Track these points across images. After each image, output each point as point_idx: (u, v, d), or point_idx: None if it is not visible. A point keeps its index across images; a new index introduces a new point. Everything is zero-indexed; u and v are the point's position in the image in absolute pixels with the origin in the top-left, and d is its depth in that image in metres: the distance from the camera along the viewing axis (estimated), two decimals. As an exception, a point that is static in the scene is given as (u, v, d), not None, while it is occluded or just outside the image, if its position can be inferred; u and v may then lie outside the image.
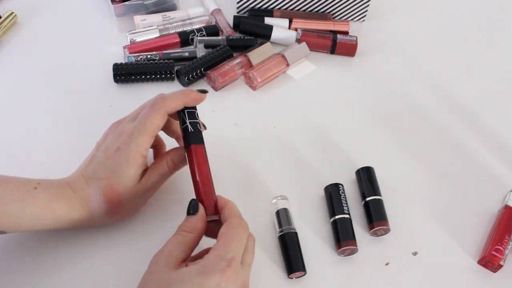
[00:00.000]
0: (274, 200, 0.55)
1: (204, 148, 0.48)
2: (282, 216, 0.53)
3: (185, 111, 0.49)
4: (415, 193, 0.59)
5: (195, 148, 0.47)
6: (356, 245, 0.52)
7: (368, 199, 0.55)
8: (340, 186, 0.56)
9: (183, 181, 0.56)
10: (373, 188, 0.56)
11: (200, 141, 0.48)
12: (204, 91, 0.50)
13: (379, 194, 0.56)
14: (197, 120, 0.49)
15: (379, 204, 0.55)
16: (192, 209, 0.45)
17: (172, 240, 0.43)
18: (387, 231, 0.54)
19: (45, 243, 0.51)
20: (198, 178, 0.46)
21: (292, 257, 0.51)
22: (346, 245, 0.51)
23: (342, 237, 0.52)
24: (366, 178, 0.57)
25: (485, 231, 0.56)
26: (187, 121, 0.48)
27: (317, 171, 0.60)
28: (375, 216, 0.54)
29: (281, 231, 0.52)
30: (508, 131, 0.66)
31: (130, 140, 0.47)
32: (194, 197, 0.46)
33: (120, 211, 0.49)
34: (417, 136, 0.65)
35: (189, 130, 0.48)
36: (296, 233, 0.52)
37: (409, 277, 0.52)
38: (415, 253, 0.54)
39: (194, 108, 0.50)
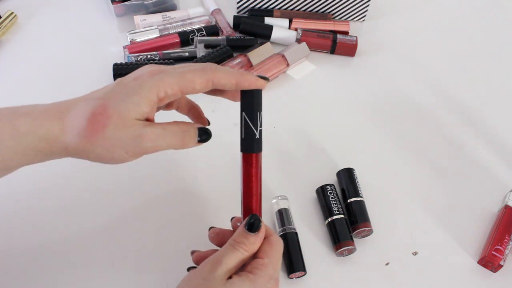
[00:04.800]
0: (274, 200, 0.55)
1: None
2: (282, 216, 0.53)
3: (259, 113, 0.44)
4: (416, 193, 0.59)
5: (259, 156, 0.44)
6: (353, 245, 0.52)
7: (350, 200, 0.55)
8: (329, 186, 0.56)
9: (188, 180, 0.56)
10: (354, 189, 0.56)
11: (261, 148, 0.44)
12: (265, 78, 0.43)
13: (360, 195, 0.55)
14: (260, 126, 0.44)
15: (361, 205, 0.55)
16: (255, 228, 0.42)
17: (231, 255, 0.41)
18: (370, 232, 0.54)
19: (45, 245, 0.51)
20: (258, 189, 0.44)
21: (292, 257, 0.51)
22: (345, 246, 0.52)
23: (340, 237, 0.52)
24: (348, 179, 0.57)
25: (485, 231, 0.56)
26: (259, 127, 0.44)
27: (317, 171, 0.60)
28: (358, 217, 0.54)
29: (281, 231, 0.52)
30: (508, 131, 0.66)
31: (156, 75, 0.40)
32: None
33: (97, 139, 0.39)
34: (418, 135, 0.65)
35: (256, 136, 0.44)
36: (296, 233, 0.52)
37: (409, 277, 0.52)
38: (415, 253, 0.54)
39: (260, 110, 0.44)
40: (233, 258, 0.41)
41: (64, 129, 0.39)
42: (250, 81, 0.42)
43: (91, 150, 0.39)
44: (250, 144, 0.43)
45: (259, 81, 0.43)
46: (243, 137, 0.44)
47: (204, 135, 0.43)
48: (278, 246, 0.43)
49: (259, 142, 0.44)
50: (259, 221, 0.42)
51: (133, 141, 0.39)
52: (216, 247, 0.45)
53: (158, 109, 0.45)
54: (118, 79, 0.42)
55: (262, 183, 0.45)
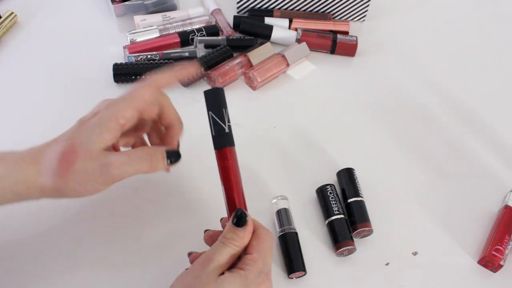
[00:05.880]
0: (274, 200, 0.55)
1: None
2: (282, 216, 0.53)
3: (225, 110, 0.45)
4: (416, 193, 0.59)
5: (232, 150, 0.45)
6: (353, 245, 0.52)
7: (350, 200, 0.55)
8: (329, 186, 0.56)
9: (184, 183, 0.56)
10: (354, 189, 0.56)
11: (233, 142, 0.46)
12: (202, 66, 0.50)
13: (360, 195, 0.55)
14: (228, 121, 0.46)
15: (361, 205, 0.55)
16: (242, 222, 0.42)
17: (221, 251, 0.41)
18: (370, 232, 0.54)
19: (44, 245, 0.51)
20: (238, 183, 0.45)
21: (292, 257, 0.51)
22: (345, 246, 0.51)
23: (340, 237, 0.52)
24: (348, 179, 0.57)
25: (485, 231, 0.56)
26: (227, 122, 0.45)
27: (317, 171, 0.60)
28: (358, 217, 0.54)
29: (281, 231, 0.52)
30: (508, 131, 0.66)
31: (111, 106, 0.44)
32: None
33: (68, 175, 0.42)
34: (418, 135, 0.65)
35: (226, 130, 0.45)
36: (296, 233, 0.52)
37: (409, 277, 0.52)
38: (415, 253, 0.54)
39: (225, 106, 0.46)
40: (224, 254, 0.41)
41: (39, 171, 0.42)
42: (187, 70, 0.48)
43: (65, 186, 0.43)
44: (222, 140, 0.45)
45: (192, 66, 0.49)
46: (213, 134, 0.45)
47: (173, 156, 0.46)
48: (266, 239, 0.43)
49: (229, 136, 0.45)
50: (245, 215, 0.43)
51: (100, 170, 0.42)
52: None
53: (127, 135, 0.49)
54: (79, 119, 0.46)
55: (241, 177, 0.45)
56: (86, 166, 0.42)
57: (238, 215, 0.42)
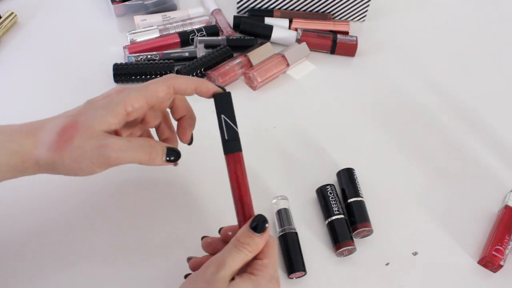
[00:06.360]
0: (274, 200, 0.55)
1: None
2: (282, 216, 0.53)
3: (233, 115, 0.45)
4: (416, 193, 0.59)
5: (241, 155, 0.45)
6: (353, 245, 0.52)
7: (350, 200, 0.55)
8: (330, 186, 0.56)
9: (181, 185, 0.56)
10: (354, 189, 0.56)
11: (241, 148, 0.45)
12: (222, 88, 0.46)
13: (360, 195, 0.55)
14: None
15: (361, 205, 0.55)
16: (260, 228, 0.41)
17: (235, 256, 0.40)
18: (370, 232, 0.54)
19: (43, 244, 0.51)
20: (247, 188, 0.44)
21: (292, 257, 0.51)
22: (345, 246, 0.51)
23: (340, 237, 0.52)
24: (348, 179, 0.57)
25: (485, 231, 0.56)
26: (237, 128, 0.45)
27: (317, 171, 0.60)
28: (358, 217, 0.54)
29: (281, 231, 0.52)
30: (508, 131, 0.66)
31: (123, 92, 0.44)
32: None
33: (65, 150, 0.41)
34: (418, 136, 0.65)
35: (239, 135, 0.45)
36: (296, 233, 0.52)
37: (409, 277, 0.52)
38: (415, 253, 0.54)
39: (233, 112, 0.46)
40: (236, 259, 0.40)
41: (36, 144, 0.42)
42: (208, 87, 0.45)
43: (60, 162, 0.41)
44: (236, 144, 0.45)
45: (216, 88, 0.46)
46: (226, 138, 0.44)
47: (173, 155, 0.45)
48: (274, 245, 0.43)
49: (239, 141, 0.45)
50: (266, 221, 0.42)
51: (97, 151, 0.41)
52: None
53: (133, 126, 0.49)
54: (88, 100, 0.45)
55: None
56: (84, 143, 0.41)
57: (257, 220, 0.42)
